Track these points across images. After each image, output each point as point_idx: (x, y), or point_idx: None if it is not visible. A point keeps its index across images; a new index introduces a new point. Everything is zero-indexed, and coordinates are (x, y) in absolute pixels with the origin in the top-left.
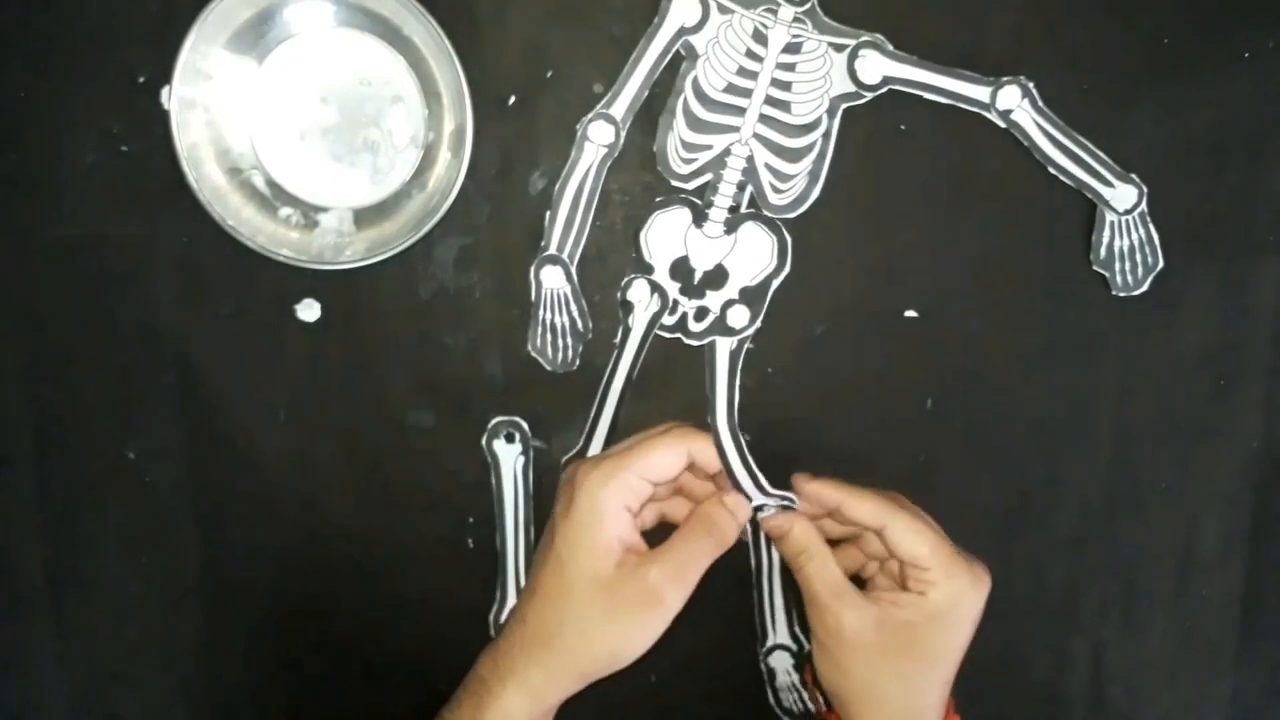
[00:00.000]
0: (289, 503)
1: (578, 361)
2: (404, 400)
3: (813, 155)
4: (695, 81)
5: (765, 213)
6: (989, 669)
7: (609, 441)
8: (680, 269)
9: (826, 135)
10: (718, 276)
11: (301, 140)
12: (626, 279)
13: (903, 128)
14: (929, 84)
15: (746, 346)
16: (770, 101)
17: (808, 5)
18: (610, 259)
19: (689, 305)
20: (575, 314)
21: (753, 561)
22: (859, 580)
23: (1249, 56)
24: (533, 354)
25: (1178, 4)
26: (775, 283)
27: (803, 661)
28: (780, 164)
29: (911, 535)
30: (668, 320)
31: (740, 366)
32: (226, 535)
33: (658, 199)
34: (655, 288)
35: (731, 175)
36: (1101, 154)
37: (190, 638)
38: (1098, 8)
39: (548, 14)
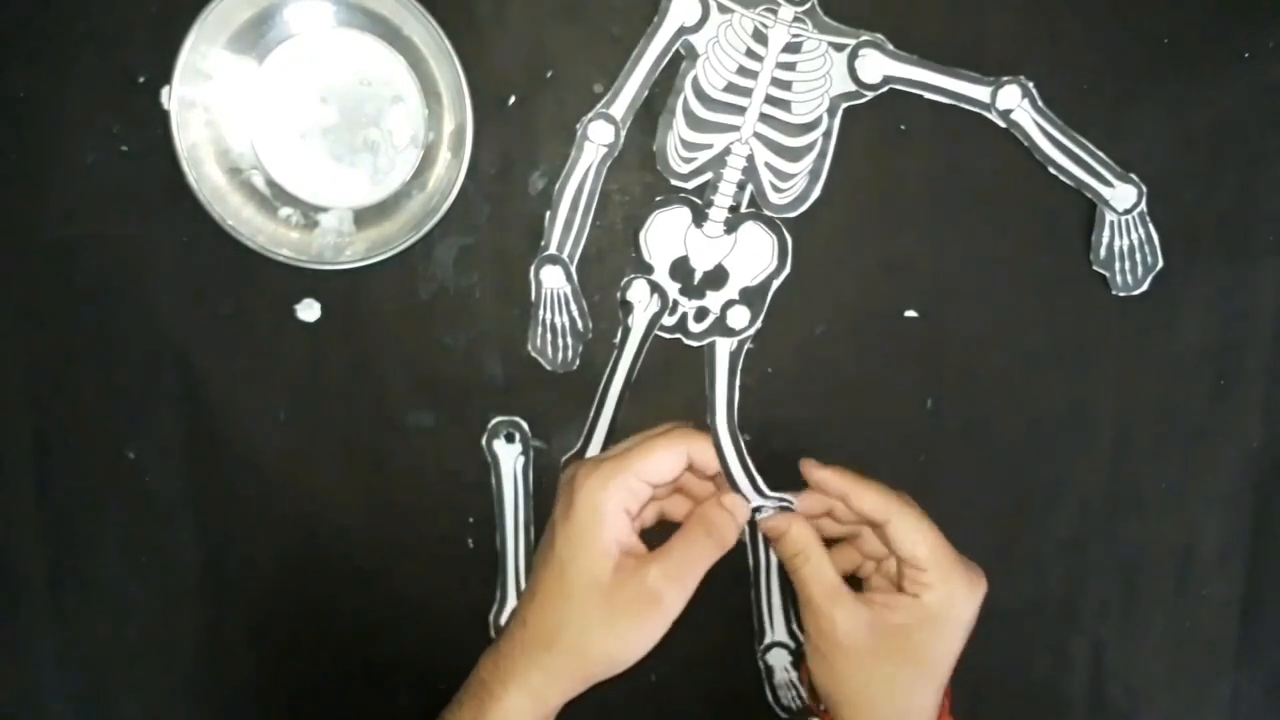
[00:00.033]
0: (289, 503)
1: (578, 361)
2: (404, 400)
3: (813, 154)
4: (695, 81)
5: (766, 212)
6: (989, 669)
7: (608, 442)
8: (680, 269)
9: (827, 134)
10: (718, 276)
11: (301, 140)
12: (626, 279)
13: (903, 127)
14: (929, 83)
15: (747, 347)
16: (770, 100)
17: (808, 5)
18: (610, 259)
19: (689, 305)
20: (575, 314)
21: (750, 561)
22: (855, 580)
23: (1249, 56)
24: (533, 354)
25: (1178, 4)
26: (775, 283)
27: (800, 659)
28: (781, 163)
29: (913, 534)
30: (667, 321)
31: (740, 367)
32: (226, 535)
33: (657, 198)
34: (655, 288)
35: (732, 174)
36: (1101, 154)
37: (190, 638)
38: (1098, 8)
39: (548, 14)
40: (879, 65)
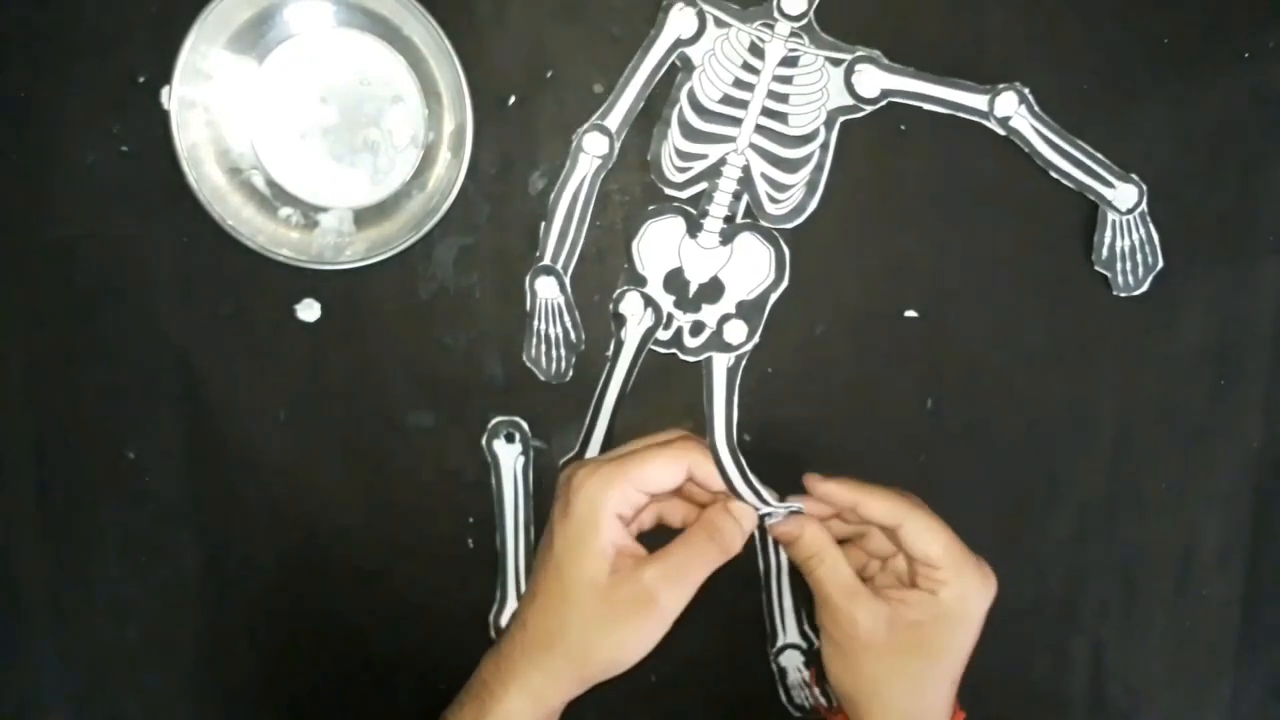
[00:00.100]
0: (289, 503)
1: (571, 372)
2: (404, 400)
3: (810, 166)
4: (691, 92)
5: (762, 223)
6: (989, 669)
7: (605, 448)
8: (674, 281)
9: (824, 147)
10: (713, 289)
11: (301, 140)
12: (619, 291)
13: (903, 128)
14: (927, 95)
15: (745, 362)
16: (767, 113)
17: (804, 20)
18: (609, 261)
19: (684, 319)
20: (569, 325)
21: (760, 564)
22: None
23: (1249, 56)
24: (528, 364)
25: (1178, 4)
26: (773, 297)
27: (813, 659)
28: (777, 174)
29: (926, 534)
30: (662, 335)
31: (738, 383)
32: (226, 535)
33: (650, 207)
34: (649, 301)
35: (727, 184)
36: (1100, 156)
37: (190, 638)
38: (1097, 8)
39: (548, 14)
40: (876, 80)
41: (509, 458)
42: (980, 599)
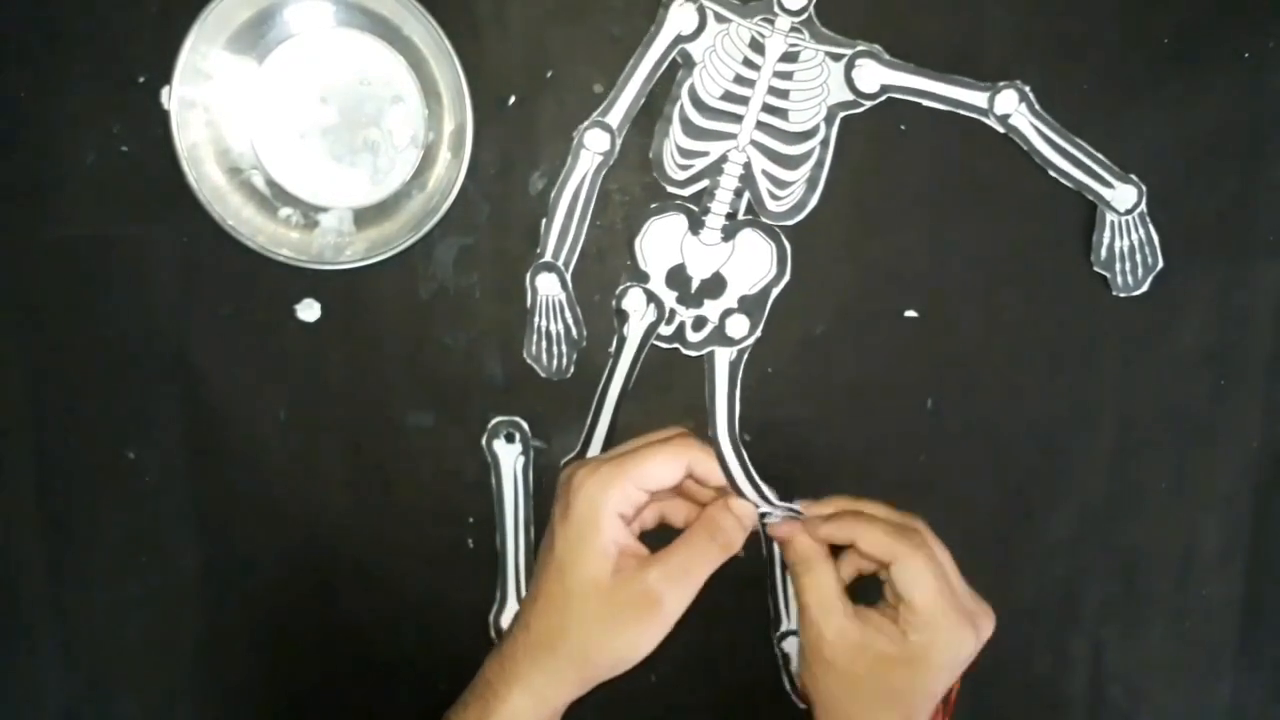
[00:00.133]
0: (289, 503)
1: (572, 369)
2: (404, 400)
3: (811, 162)
4: (692, 89)
5: (763, 219)
6: (989, 669)
7: (607, 447)
8: (677, 277)
9: (825, 143)
10: (716, 285)
11: (301, 140)
12: (621, 287)
13: (902, 127)
14: (927, 91)
15: (746, 356)
16: (768, 109)
17: (804, 15)
18: (610, 258)
19: (686, 314)
20: (570, 321)
21: (765, 551)
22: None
23: (1249, 56)
24: (528, 361)
25: (1178, 4)
26: (775, 291)
27: None
28: (778, 170)
29: (912, 578)
30: (665, 330)
31: (740, 377)
32: (226, 535)
33: (652, 205)
34: (651, 297)
35: (729, 181)
36: (1100, 155)
37: (190, 638)
38: (1097, 8)
39: (548, 14)
40: (876, 75)
41: (509, 458)
42: (955, 651)
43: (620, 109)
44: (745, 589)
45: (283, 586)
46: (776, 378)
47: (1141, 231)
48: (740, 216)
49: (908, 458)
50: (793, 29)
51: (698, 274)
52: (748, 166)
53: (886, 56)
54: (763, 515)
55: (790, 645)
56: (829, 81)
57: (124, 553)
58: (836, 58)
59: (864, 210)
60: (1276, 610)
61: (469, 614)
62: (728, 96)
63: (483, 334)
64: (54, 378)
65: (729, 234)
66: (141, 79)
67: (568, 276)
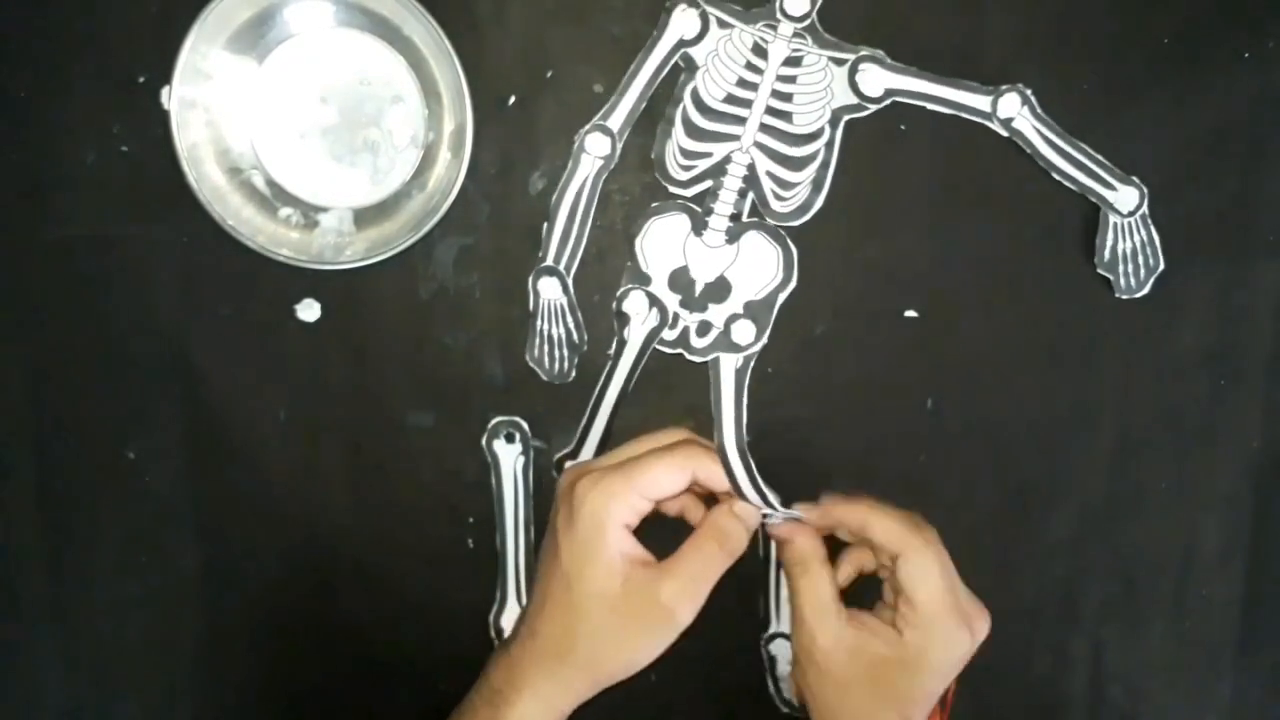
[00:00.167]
0: (289, 503)
1: (573, 373)
2: (404, 400)
3: (815, 164)
4: (694, 91)
5: (768, 220)
6: (989, 669)
7: (602, 447)
8: (680, 280)
9: (829, 145)
10: (720, 289)
11: (301, 140)
12: (623, 289)
13: (903, 127)
14: (930, 94)
15: (753, 363)
16: (771, 111)
17: (807, 21)
18: (611, 262)
19: (690, 319)
20: (571, 325)
21: (761, 550)
22: (874, 577)
23: (1249, 56)
24: (530, 364)
25: (1178, 4)
26: (781, 296)
27: None
28: (782, 172)
29: (918, 574)
30: (668, 335)
31: (747, 384)
32: (226, 535)
33: (653, 204)
34: (654, 300)
35: (732, 182)
36: (1102, 158)
37: (190, 638)
38: (1097, 8)
39: (548, 14)
40: (880, 79)
41: (509, 458)
42: (951, 651)
43: (621, 113)
44: (749, 587)
45: (283, 586)
46: (777, 378)
47: (1144, 233)
48: (745, 218)
49: (908, 458)
50: (795, 35)
51: (701, 277)
52: (751, 168)
53: (889, 61)
54: (765, 515)
55: (778, 648)
56: (833, 85)
57: (124, 553)
58: (840, 62)
59: (864, 210)
60: (1276, 610)
61: (469, 614)
62: (731, 99)
63: (483, 334)
64: (54, 378)
65: (733, 236)
66: (141, 79)
67: (569, 281)
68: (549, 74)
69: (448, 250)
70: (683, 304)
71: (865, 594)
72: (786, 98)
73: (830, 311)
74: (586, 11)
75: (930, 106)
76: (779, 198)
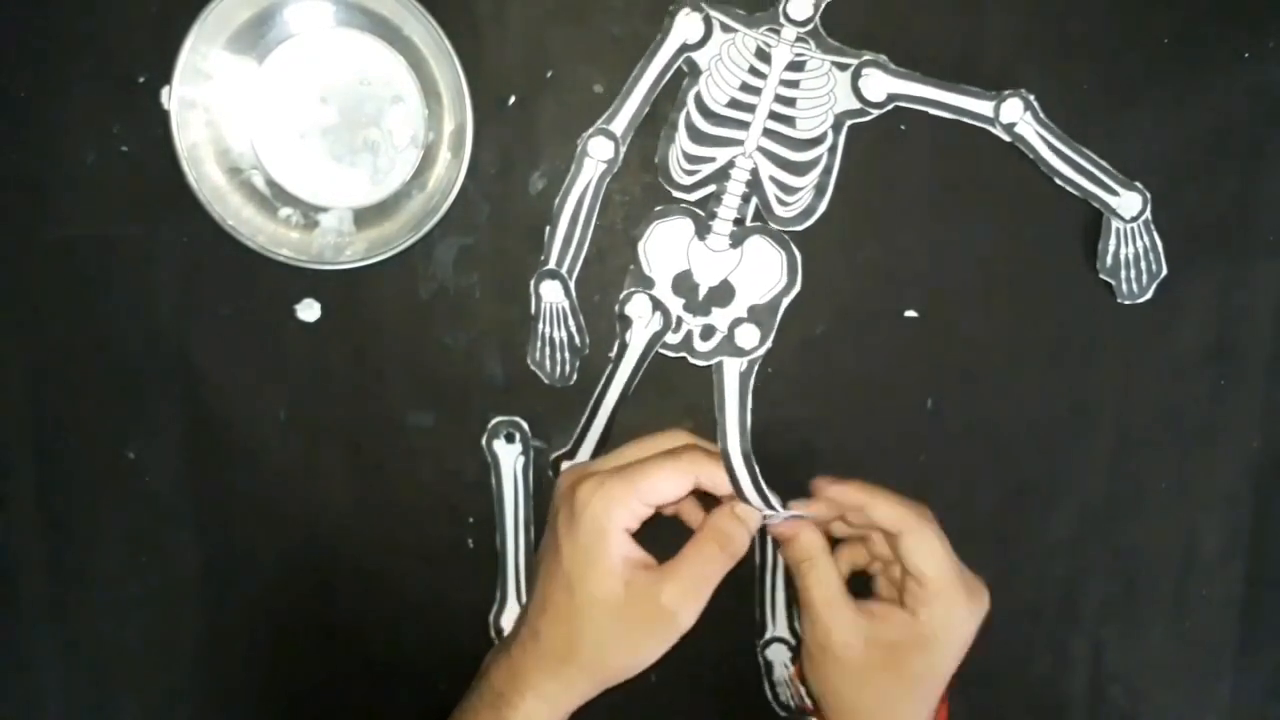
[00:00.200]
0: (289, 503)
1: (575, 376)
2: (404, 400)
3: (819, 169)
4: (698, 96)
5: (771, 225)
6: (989, 669)
7: (599, 450)
8: (683, 284)
9: (832, 150)
10: (724, 293)
11: (301, 140)
12: (626, 293)
13: (903, 127)
14: (933, 100)
15: (757, 367)
16: (774, 116)
17: (810, 25)
18: (614, 265)
19: (694, 323)
20: (573, 329)
21: (757, 556)
22: (864, 576)
23: (1249, 56)
24: (531, 367)
25: (1178, 4)
26: (786, 301)
27: (796, 656)
28: (785, 177)
29: (924, 549)
30: (672, 339)
31: (751, 388)
32: (226, 535)
33: (657, 208)
34: (657, 304)
35: (736, 187)
36: (1104, 163)
37: (190, 638)
38: (1097, 9)
39: (548, 14)
40: (883, 84)
41: (509, 458)
42: (964, 626)
43: (625, 116)
44: (749, 588)
45: (283, 586)
46: (776, 378)
47: (1146, 239)
48: (748, 222)
49: (908, 458)
50: (798, 39)
51: (705, 281)
52: (755, 172)
53: (892, 66)
54: (766, 516)
55: (774, 653)
56: (836, 90)
57: (124, 553)
58: (843, 67)
59: (865, 211)
60: (1276, 610)
61: (469, 614)
62: (734, 104)
63: (483, 334)
64: (54, 378)
65: (737, 240)
66: (141, 79)
67: (571, 284)
68: (549, 74)
69: (448, 250)
70: (686, 308)
71: (856, 592)
72: (790, 102)
73: (830, 312)
74: (586, 11)
75: (933, 111)
76: (782, 202)
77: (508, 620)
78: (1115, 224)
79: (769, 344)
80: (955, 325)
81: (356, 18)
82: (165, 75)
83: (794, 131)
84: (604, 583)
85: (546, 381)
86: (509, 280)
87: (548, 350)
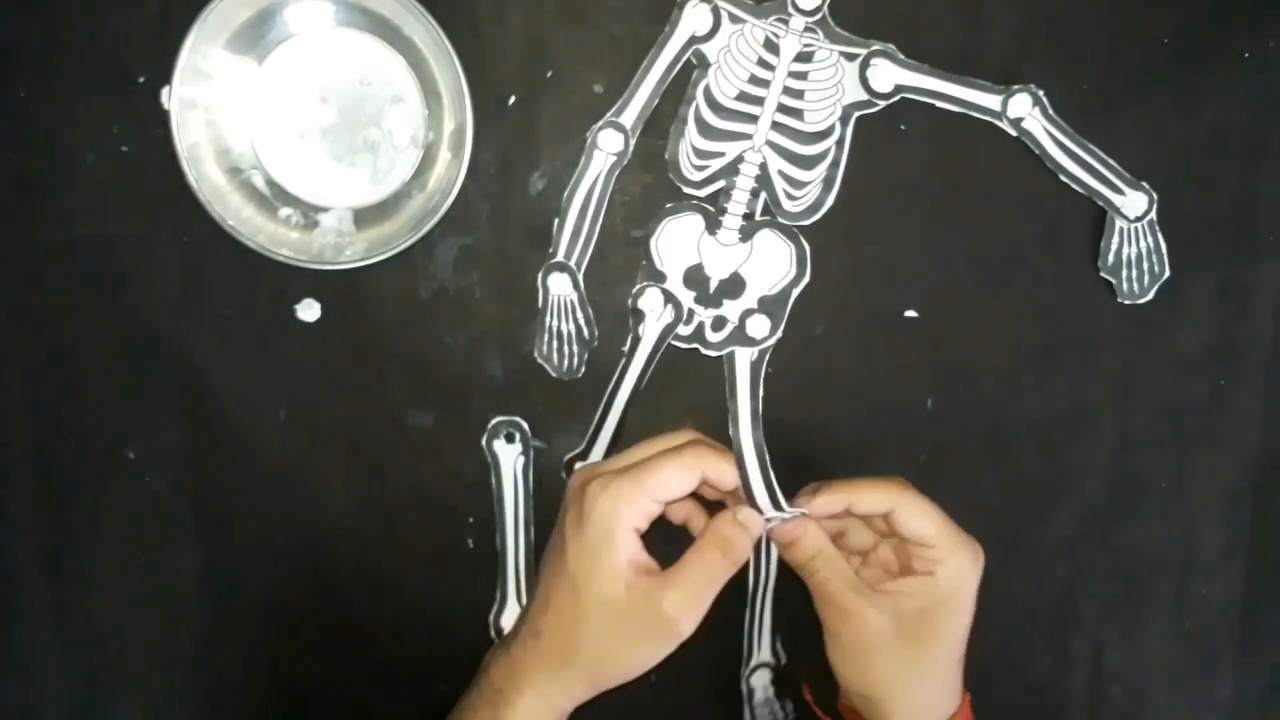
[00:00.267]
0: (289, 503)
1: (583, 369)
2: (404, 400)
3: (827, 162)
4: (707, 89)
5: (780, 219)
6: (990, 669)
7: (612, 447)
8: (695, 277)
9: (840, 143)
10: (735, 285)
11: (301, 140)
12: (638, 287)
13: (903, 127)
14: (941, 92)
15: (768, 357)
16: (783, 109)
17: (819, 15)
18: (622, 258)
19: (705, 315)
20: (581, 321)
21: (750, 580)
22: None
23: (1249, 56)
24: (539, 360)
25: (1178, 4)
26: (795, 292)
27: (781, 675)
28: (794, 171)
29: (919, 515)
30: (684, 330)
31: (763, 377)
32: (226, 535)
33: (668, 205)
34: (669, 298)
35: (745, 182)
36: (1111, 161)
37: (190, 638)
38: (1098, 9)
39: (548, 14)
40: (891, 75)
41: (509, 458)
42: (973, 577)
43: (634, 109)
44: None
45: (283, 586)
46: (776, 378)
47: (1150, 240)
48: (757, 217)
49: (908, 458)
50: (807, 29)
51: (716, 274)
52: (764, 167)
53: (901, 56)
54: (767, 520)
55: (757, 679)
56: (844, 81)
57: (124, 553)
58: (851, 57)
59: (865, 210)
60: (1276, 610)
61: (469, 614)
62: (743, 97)
63: (483, 334)
64: (54, 378)
65: (747, 234)
66: (141, 79)
67: (579, 276)
68: (549, 74)
69: (448, 250)
70: (698, 300)
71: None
72: (798, 94)
73: (831, 312)
74: (586, 11)
75: (939, 104)
76: (791, 197)
77: (508, 620)
78: (1119, 223)
79: (780, 333)
80: (955, 325)
81: (356, 18)
82: (165, 75)
83: (802, 124)
84: (606, 583)
85: (554, 375)
86: (509, 280)
87: (555, 343)
